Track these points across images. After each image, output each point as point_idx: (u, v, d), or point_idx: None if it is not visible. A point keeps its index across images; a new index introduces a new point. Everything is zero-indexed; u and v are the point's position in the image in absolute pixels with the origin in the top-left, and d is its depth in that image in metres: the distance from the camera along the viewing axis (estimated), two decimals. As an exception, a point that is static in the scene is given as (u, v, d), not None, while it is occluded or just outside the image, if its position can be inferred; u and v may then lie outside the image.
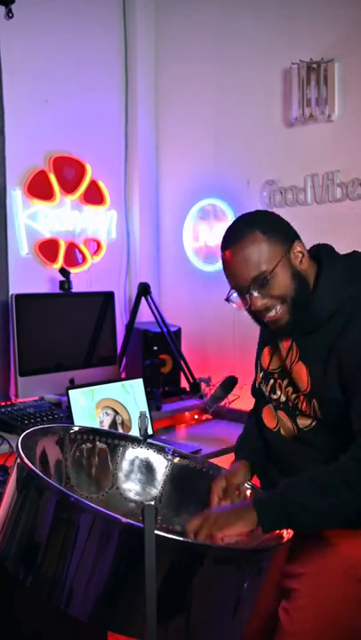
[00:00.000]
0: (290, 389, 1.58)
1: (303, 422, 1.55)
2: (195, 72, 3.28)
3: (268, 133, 2.96)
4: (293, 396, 1.56)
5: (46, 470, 1.52)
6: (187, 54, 3.32)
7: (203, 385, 3.06)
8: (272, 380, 1.64)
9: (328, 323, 1.49)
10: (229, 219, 3.15)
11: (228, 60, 3.13)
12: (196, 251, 3.35)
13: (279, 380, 1.61)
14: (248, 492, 1.63)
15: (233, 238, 1.52)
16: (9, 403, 2.68)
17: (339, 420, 1.47)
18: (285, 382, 1.59)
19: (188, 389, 3.12)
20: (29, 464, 1.26)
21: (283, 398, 1.60)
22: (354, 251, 1.61)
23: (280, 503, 1.38)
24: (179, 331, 3.19)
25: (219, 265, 3.22)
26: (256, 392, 1.75)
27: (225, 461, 1.88)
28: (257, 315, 1.53)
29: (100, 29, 3.29)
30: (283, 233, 1.51)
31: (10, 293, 2.79)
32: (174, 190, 3.47)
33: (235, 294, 1.54)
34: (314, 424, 1.53)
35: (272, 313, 1.50)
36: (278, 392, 1.61)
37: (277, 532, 1.40)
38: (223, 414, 2.96)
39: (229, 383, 2.63)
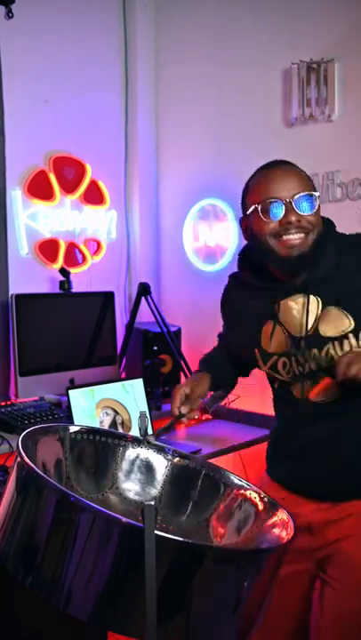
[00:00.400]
0: (316, 350, 1.56)
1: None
2: (195, 72, 3.28)
3: (268, 133, 2.96)
4: (325, 351, 1.56)
5: (46, 470, 1.52)
6: (187, 54, 3.32)
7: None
8: (291, 358, 1.60)
9: (336, 272, 1.56)
10: (229, 219, 3.15)
11: (228, 60, 3.13)
12: (196, 251, 3.35)
13: (298, 352, 1.59)
14: (248, 494, 1.62)
15: (285, 162, 1.59)
16: (9, 403, 2.68)
17: None
18: (305, 347, 1.57)
19: (188, 389, 3.11)
20: (30, 463, 1.26)
21: (314, 366, 1.58)
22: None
23: None
24: (179, 331, 3.19)
25: (219, 265, 3.24)
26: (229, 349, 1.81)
27: (225, 461, 1.89)
28: (274, 238, 1.53)
29: (100, 29, 3.29)
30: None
31: (10, 293, 2.79)
32: (174, 190, 3.47)
33: (259, 210, 1.54)
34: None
35: (297, 235, 1.52)
36: (307, 364, 1.59)
37: (277, 533, 1.40)
38: (223, 414, 2.96)
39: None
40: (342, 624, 1.56)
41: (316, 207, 1.54)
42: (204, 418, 3.08)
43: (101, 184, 3.28)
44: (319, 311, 1.57)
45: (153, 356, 3.03)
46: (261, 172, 1.60)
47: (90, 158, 3.21)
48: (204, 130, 3.26)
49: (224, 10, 3.12)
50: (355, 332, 1.54)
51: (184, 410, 1.64)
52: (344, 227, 2.75)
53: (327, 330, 1.56)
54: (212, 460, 1.86)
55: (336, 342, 1.55)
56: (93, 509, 1.15)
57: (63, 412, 2.60)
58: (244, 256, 1.72)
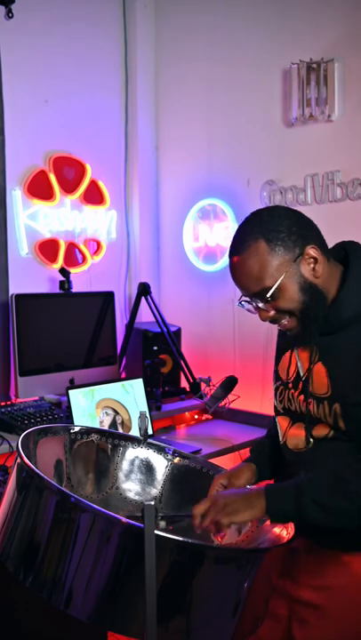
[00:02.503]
0: (302, 397, 1.48)
1: (319, 433, 1.46)
2: (195, 72, 3.28)
3: (268, 133, 2.96)
4: (313, 404, 1.46)
5: (46, 470, 1.52)
6: (187, 54, 3.32)
7: (203, 385, 3.06)
8: (287, 391, 1.54)
9: (355, 324, 1.40)
10: (229, 219, 3.15)
11: (228, 60, 3.13)
12: (196, 251, 3.35)
13: (292, 390, 1.52)
14: None
15: (237, 246, 1.41)
16: (9, 403, 2.68)
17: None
18: (299, 391, 1.50)
19: (188, 389, 3.11)
20: (29, 464, 1.26)
21: (298, 409, 1.50)
22: None
23: (293, 493, 1.34)
24: (179, 331, 3.19)
25: (219, 265, 3.24)
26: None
27: (225, 461, 1.89)
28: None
29: (100, 29, 3.29)
30: (293, 238, 1.37)
31: (10, 293, 2.79)
32: (174, 190, 3.47)
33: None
34: (331, 434, 1.44)
35: (282, 322, 1.42)
36: (294, 403, 1.52)
37: (277, 533, 1.40)
38: (223, 414, 2.96)
39: (229, 383, 2.63)
40: None
41: (280, 294, 1.37)
42: (204, 418, 3.09)
43: (101, 184, 3.28)
44: (314, 362, 1.45)
45: (153, 356, 3.03)
46: (229, 258, 1.45)
47: (90, 158, 3.21)
48: (204, 130, 3.26)
49: (224, 10, 3.12)
50: (329, 399, 1.42)
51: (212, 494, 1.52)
52: (344, 227, 2.76)
53: (311, 385, 1.46)
54: (212, 460, 1.86)
55: (316, 401, 1.45)
56: (94, 510, 1.15)
57: (63, 411, 2.60)
58: None
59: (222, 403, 2.72)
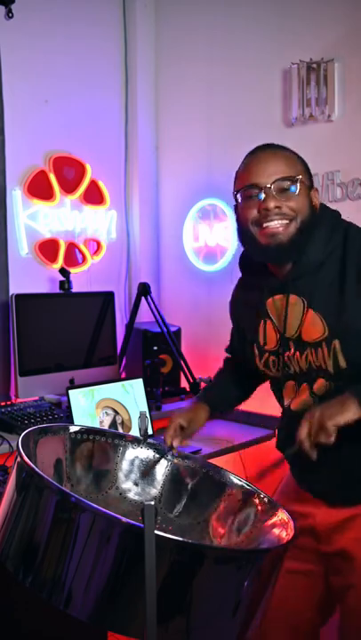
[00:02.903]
0: (298, 354, 1.53)
1: (319, 386, 1.52)
2: (195, 72, 3.28)
3: (268, 133, 2.95)
4: (304, 357, 1.52)
5: (46, 470, 1.52)
6: (187, 54, 3.32)
7: (203, 385, 3.06)
8: (279, 357, 1.58)
9: (326, 261, 1.49)
10: (229, 219, 3.15)
11: (228, 60, 3.13)
12: (196, 251, 3.35)
13: (284, 352, 1.56)
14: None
15: (272, 144, 1.56)
16: (9, 403, 2.68)
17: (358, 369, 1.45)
18: (292, 349, 1.54)
19: (188, 389, 3.11)
20: (30, 463, 1.26)
21: (297, 368, 1.55)
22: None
23: None
24: (179, 331, 3.19)
25: (219, 265, 3.24)
26: (236, 352, 1.80)
27: (225, 461, 1.89)
28: (256, 226, 1.49)
29: (100, 29, 3.29)
30: (311, 176, 1.55)
31: (10, 293, 2.79)
32: (174, 190, 3.47)
33: (239, 197, 1.52)
34: (330, 385, 1.50)
35: (278, 222, 1.47)
36: (291, 365, 1.56)
37: (277, 533, 1.40)
38: (223, 414, 2.96)
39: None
40: None
41: (298, 192, 1.47)
42: (204, 418, 3.08)
43: (101, 184, 3.28)
44: (305, 313, 1.51)
45: (153, 355, 3.03)
46: (247, 158, 1.55)
47: (90, 158, 3.21)
48: (204, 130, 3.26)
49: (224, 10, 3.12)
50: (327, 340, 1.48)
51: (175, 443, 1.63)
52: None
53: (307, 335, 1.51)
54: (212, 460, 1.86)
55: (312, 349, 1.51)
56: (93, 509, 1.15)
57: (63, 411, 2.60)
58: (243, 255, 1.71)
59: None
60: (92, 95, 3.26)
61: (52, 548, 1.18)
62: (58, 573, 1.17)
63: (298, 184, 1.47)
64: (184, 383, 3.16)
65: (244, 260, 1.70)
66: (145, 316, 3.24)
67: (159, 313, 3.06)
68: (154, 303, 3.09)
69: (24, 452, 1.30)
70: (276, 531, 1.42)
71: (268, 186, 1.46)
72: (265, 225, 1.47)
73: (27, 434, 1.46)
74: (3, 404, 2.65)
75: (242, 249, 1.65)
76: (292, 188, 1.47)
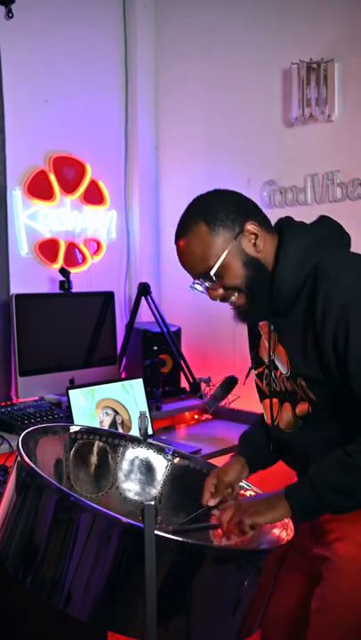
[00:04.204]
0: (283, 376, 1.54)
1: (301, 409, 1.51)
2: (195, 72, 3.28)
3: (268, 133, 2.96)
4: (287, 381, 1.53)
5: (46, 470, 1.52)
6: (187, 54, 3.32)
7: (203, 385, 3.06)
8: (271, 372, 1.59)
9: (297, 299, 1.43)
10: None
11: (228, 60, 3.13)
12: (196, 251, 3.35)
13: (274, 371, 1.57)
14: (248, 494, 1.63)
15: (180, 230, 1.48)
16: (9, 403, 2.68)
17: (331, 401, 1.44)
18: (278, 370, 1.55)
19: (188, 389, 3.11)
20: (30, 463, 1.26)
21: (282, 388, 1.55)
22: (321, 216, 1.57)
23: (310, 488, 1.37)
24: (179, 331, 3.19)
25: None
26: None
27: (225, 461, 1.88)
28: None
29: (100, 29, 3.29)
30: (232, 217, 1.43)
31: (10, 293, 2.79)
32: (174, 190, 3.47)
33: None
34: (310, 409, 1.49)
35: (231, 299, 1.48)
36: (277, 383, 1.57)
37: (277, 533, 1.40)
38: (223, 414, 2.96)
39: (229, 383, 2.63)
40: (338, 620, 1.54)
41: (223, 274, 1.42)
42: (204, 418, 3.09)
43: (101, 184, 3.28)
44: (274, 343, 1.53)
45: (153, 355, 3.03)
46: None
47: (90, 158, 3.21)
48: (204, 130, 3.26)
49: (224, 10, 3.12)
50: (292, 376, 1.49)
51: (212, 503, 1.57)
52: (344, 227, 2.75)
53: (279, 364, 1.53)
54: (212, 460, 1.86)
55: (287, 379, 1.52)
56: (93, 509, 1.15)
57: (63, 411, 2.60)
58: None
59: (222, 403, 2.72)
60: (92, 95, 3.26)
61: (52, 547, 1.18)
62: (58, 573, 1.17)
63: (221, 266, 1.42)
64: (184, 383, 3.16)
65: None
66: (145, 315, 3.24)
67: (159, 313, 3.06)
68: (154, 303, 3.08)
69: (24, 452, 1.30)
70: (276, 531, 1.42)
71: (198, 282, 1.47)
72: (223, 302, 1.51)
73: (27, 433, 1.46)
74: (3, 404, 2.65)
75: None
76: (217, 274, 1.42)
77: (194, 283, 1.50)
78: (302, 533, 1.52)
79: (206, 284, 1.46)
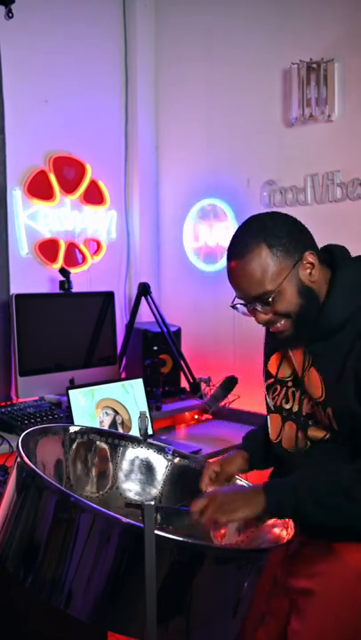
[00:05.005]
0: (306, 399, 1.51)
1: (315, 434, 1.49)
2: (195, 72, 3.28)
3: (268, 133, 2.96)
4: (308, 405, 1.50)
5: (46, 470, 1.52)
6: (187, 54, 3.32)
7: (203, 385, 3.06)
8: (285, 389, 1.57)
9: (341, 330, 1.42)
10: (229, 219, 3.15)
11: (228, 60, 3.13)
12: (196, 251, 3.35)
13: (293, 389, 1.55)
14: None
15: (238, 250, 1.44)
16: (9, 403, 2.68)
17: (354, 433, 1.41)
18: (300, 391, 1.52)
19: (188, 389, 3.12)
20: (30, 463, 1.26)
21: (295, 408, 1.53)
22: None
23: (291, 489, 1.35)
24: (179, 331, 3.19)
25: (219, 265, 3.24)
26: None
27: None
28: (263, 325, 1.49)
29: (100, 29, 3.29)
30: (293, 244, 1.42)
31: (10, 293, 2.79)
32: (174, 190, 3.47)
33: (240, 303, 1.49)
34: (328, 436, 1.47)
35: (277, 325, 1.45)
36: (291, 402, 1.55)
37: (277, 533, 1.40)
38: (223, 414, 2.96)
39: (229, 383, 2.63)
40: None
41: (279, 298, 1.41)
42: (204, 418, 3.09)
43: (101, 184, 3.28)
44: (308, 368, 1.49)
45: (153, 355, 3.03)
46: (227, 262, 1.49)
47: (90, 158, 3.21)
48: (204, 130, 3.26)
49: (224, 10, 3.12)
50: (323, 404, 1.45)
51: (210, 489, 1.57)
52: (344, 227, 2.76)
53: (309, 388, 1.50)
54: (212, 461, 1.86)
55: (313, 403, 1.49)
56: (93, 509, 1.15)
57: (63, 412, 2.60)
58: None
59: (222, 403, 2.72)
60: (92, 95, 3.26)
61: (52, 548, 1.18)
62: (58, 573, 1.17)
63: (278, 292, 1.40)
64: (184, 383, 3.16)
65: None
66: (145, 315, 3.24)
67: (159, 313, 3.06)
68: (154, 303, 3.09)
69: (24, 453, 1.30)
70: (276, 530, 1.42)
71: (250, 304, 1.45)
72: (268, 327, 1.49)
73: (27, 434, 1.46)
74: (3, 404, 2.65)
75: None
76: (273, 299, 1.41)
77: (236, 303, 1.48)
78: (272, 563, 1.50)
79: (258, 308, 1.43)
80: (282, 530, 1.39)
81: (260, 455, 1.69)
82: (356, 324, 1.41)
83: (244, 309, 1.48)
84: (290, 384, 1.56)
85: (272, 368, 1.62)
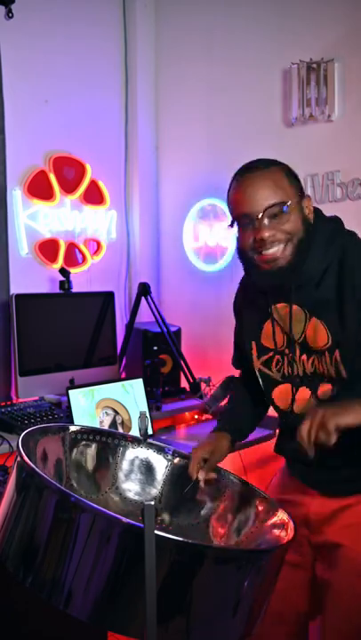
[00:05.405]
0: (305, 356, 1.56)
1: (324, 390, 1.54)
2: (195, 72, 3.28)
3: (268, 133, 2.96)
4: (309, 363, 1.55)
5: (46, 470, 1.52)
6: (187, 54, 3.32)
7: (203, 385, 3.06)
8: (285, 357, 1.60)
9: (324, 275, 1.50)
10: (229, 219, 3.14)
11: (228, 60, 3.13)
12: (196, 251, 3.35)
13: (290, 354, 1.58)
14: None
15: (258, 164, 1.51)
16: (9, 403, 2.68)
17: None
18: (298, 352, 1.57)
19: (188, 389, 3.11)
20: (30, 463, 1.26)
21: (300, 372, 1.57)
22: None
23: None
24: (179, 331, 3.19)
25: (219, 265, 3.24)
26: (242, 365, 1.80)
27: (225, 461, 1.88)
28: (254, 253, 1.50)
29: (100, 29, 3.29)
30: (300, 183, 1.53)
31: (10, 293, 2.79)
32: (174, 190, 3.47)
33: (236, 225, 1.53)
34: (334, 389, 1.52)
35: (275, 249, 1.47)
36: (296, 367, 1.58)
37: (277, 533, 1.40)
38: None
39: (229, 383, 2.62)
40: (349, 621, 1.56)
41: (291, 214, 1.47)
42: (204, 418, 3.09)
43: (101, 184, 3.28)
44: (307, 321, 1.55)
45: (153, 355, 3.03)
46: (234, 182, 1.55)
47: (90, 158, 3.21)
48: (204, 130, 3.27)
49: (224, 10, 3.12)
50: (330, 349, 1.52)
51: (201, 476, 1.60)
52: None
53: (311, 341, 1.54)
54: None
55: (318, 355, 1.54)
56: (93, 509, 1.15)
57: (63, 411, 2.60)
58: None
59: (222, 403, 2.71)
60: (92, 95, 3.26)
61: (52, 548, 1.18)
62: (58, 573, 1.17)
63: (290, 207, 1.47)
64: (184, 383, 3.16)
65: None
66: (145, 315, 3.24)
67: (159, 313, 3.06)
68: (154, 303, 3.09)
69: (24, 452, 1.30)
70: (276, 531, 1.42)
71: (260, 216, 1.46)
72: (263, 252, 1.49)
73: (27, 434, 1.46)
74: (3, 404, 2.65)
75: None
76: (284, 211, 1.46)
77: (235, 221, 1.52)
78: (296, 522, 1.53)
79: (265, 221, 1.46)
80: (282, 530, 1.39)
81: (240, 428, 1.75)
82: (336, 264, 1.50)
83: (242, 229, 1.51)
84: (286, 351, 1.59)
85: (267, 341, 1.64)
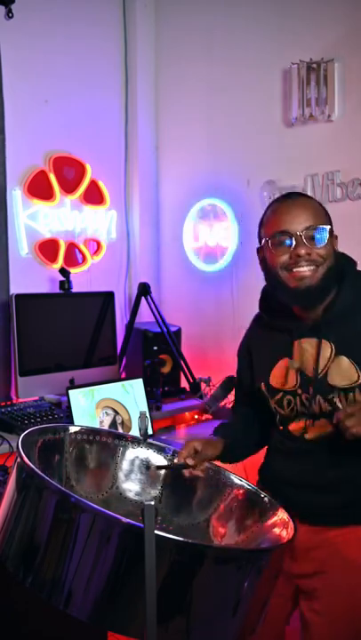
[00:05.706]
0: (320, 395, 1.56)
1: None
2: (195, 72, 3.28)
3: (268, 133, 2.96)
4: (327, 400, 1.55)
5: (46, 470, 1.52)
6: (187, 54, 3.32)
7: (203, 385, 3.06)
8: (298, 397, 1.60)
9: (352, 315, 1.55)
10: (229, 219, 3.15)
11: (228, 60, 3.13)
12: (196, 251, 3.35)
13: (305, 394, 1.58)
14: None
15: (299, 194, 1.64)
16: (9, 403, 2.68)
17: None
18: (311, 391, 1.56)
19: (188, 389, 3.11)
20: (30, 464, 1.26)
21: (318, 410, 1.57)
22: None
23: None
24: (179, 331, 3.19)
25: (219, 265, 3.24)
26: (248, 405, 1.78)
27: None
28: (286, 271, 1.53)
29: (100, 29, 3.29)
30: (331, 223, 1.59)
31: (10, 293, 2.79)
32: (174, 190, 3.47)
33: (270, 243, 1.55)
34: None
35: (307, 268, 1.52)
36: (311, 404, 1.58)
37: (277, 533, 1.40)
38: (223, 414, 2.95)
39: (229, 383, 2.63)
40: None
41: (327, 240, 1.53)
42: (204, 418, 3.09)
43: (101, 184, 3.28)
44: (331, 358, 1.55)
45: (153, 355, 3.03)
46: (275, 205, 1.59)
47: (90, 158, 3.21)
48: (205, 130, 3.27)
49: (224, 10, 3.12)
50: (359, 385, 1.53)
51: (190, 462, 1.59)
52: (344, 227, 2.75)
53: (335, 379, 1.55)
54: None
55: (342, 393, 1.55)
56: (93, 510, 1.15)
57: (63, 411, 2.60)
58: (264, 297, 1.72)
59: (222, 403, 2.72)
60: (92, 95, 3.26)
61: (52, 548, 1.18)
62: (58, 573, 1.17)
63: (326, 232, 1.54)
64: (184, 383, 3.16)
65: (266, 302, 1.71)
66: (145, 315, 3.24)
67: (159, 313, 3.06)
68: (154, 303, 3.09)
69: (24, 453, 1.30)
70: (276, 530, 1.42)
71: (299, 233, 1.52)
72: (295, 270, 1.53)
73: (27, 434, 1.46)
74: (3, 404, 2.65)
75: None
76: (322, 235, 1.53)
77: (268, 240, 1.55)
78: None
79: (303, 239, 1.51)
80: (282, 530, 1.39)
81: (233, 449, 1.72)
82: None
83: (277, 247, 1.53)
84: (299, 391, 1.59)
85: (277, 382, 1.64)
